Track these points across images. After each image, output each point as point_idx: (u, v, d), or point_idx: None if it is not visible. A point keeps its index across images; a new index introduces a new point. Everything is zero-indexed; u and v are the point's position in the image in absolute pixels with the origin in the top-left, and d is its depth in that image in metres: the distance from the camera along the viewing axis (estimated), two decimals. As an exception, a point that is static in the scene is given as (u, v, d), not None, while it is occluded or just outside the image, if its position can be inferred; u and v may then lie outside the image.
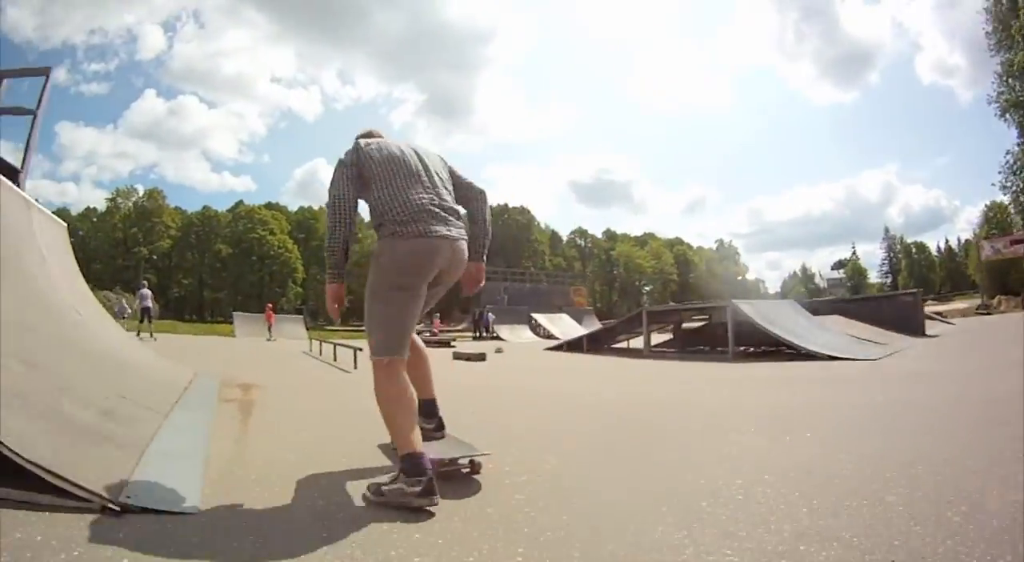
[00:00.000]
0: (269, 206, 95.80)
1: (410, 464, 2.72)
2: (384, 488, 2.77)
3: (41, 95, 8.22)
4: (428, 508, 2.63)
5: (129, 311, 29.34)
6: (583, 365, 12.62)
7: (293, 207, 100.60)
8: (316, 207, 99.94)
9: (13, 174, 7.20)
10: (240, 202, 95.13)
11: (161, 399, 4.88)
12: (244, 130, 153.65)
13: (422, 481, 2.65)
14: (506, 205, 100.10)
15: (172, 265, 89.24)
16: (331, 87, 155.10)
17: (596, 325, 39.79)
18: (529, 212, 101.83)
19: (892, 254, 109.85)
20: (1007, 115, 35.46)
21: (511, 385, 8.91)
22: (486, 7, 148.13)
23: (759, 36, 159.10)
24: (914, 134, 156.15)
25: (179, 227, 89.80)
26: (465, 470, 3.27)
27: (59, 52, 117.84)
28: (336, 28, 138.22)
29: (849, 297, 32.92)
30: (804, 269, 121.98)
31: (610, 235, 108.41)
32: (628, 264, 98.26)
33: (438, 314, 34.03)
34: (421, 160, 3.27)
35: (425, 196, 3.08)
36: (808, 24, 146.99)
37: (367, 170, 3.12)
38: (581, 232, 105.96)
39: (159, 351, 10.18)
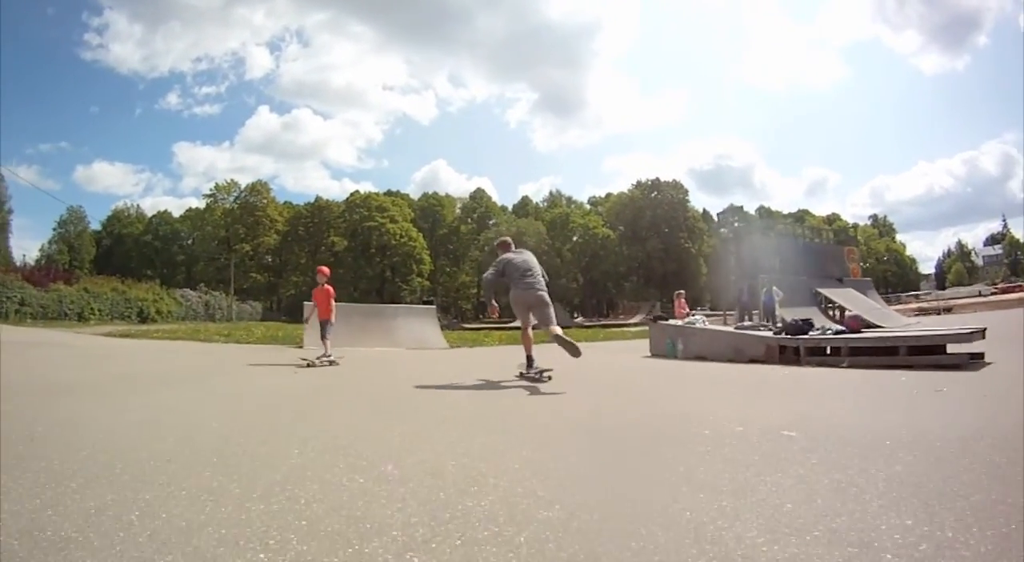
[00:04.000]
0: (389, 194, 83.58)
1: (528, 360, 8.03)
2: (521, 372, 7.98)
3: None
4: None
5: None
6: None
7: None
8: (443, 193, 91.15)
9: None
10: (356, 191, 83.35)
11: None
12: (361, 138, 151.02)
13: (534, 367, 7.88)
14: (657, 179, 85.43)
15: (282, 262, 77.51)
16: (444, 91, 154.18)
17: (881, 303, 31.05)
18: (682, 186, 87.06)
19: None
20: None
21: None
22: (585, 1, 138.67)
23: (861, 6, 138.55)
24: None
25: (286, 221, 77.50)
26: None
27: (167, 79, 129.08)
28: (441, 33, 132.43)
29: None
30: (961, 246, 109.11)
31: (764, 212, 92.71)
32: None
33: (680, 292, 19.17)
34: (526, 260, 8.40)
35: (525, 279, 8.20)
36: None
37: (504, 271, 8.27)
38: (736, 210, 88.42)
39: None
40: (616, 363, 11.54)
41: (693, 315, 14.39)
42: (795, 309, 20.74)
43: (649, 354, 12.52)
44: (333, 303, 11.80)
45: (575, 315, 63.95)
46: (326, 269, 12.40)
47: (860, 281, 30.53)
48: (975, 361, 8.30)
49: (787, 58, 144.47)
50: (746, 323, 13.24)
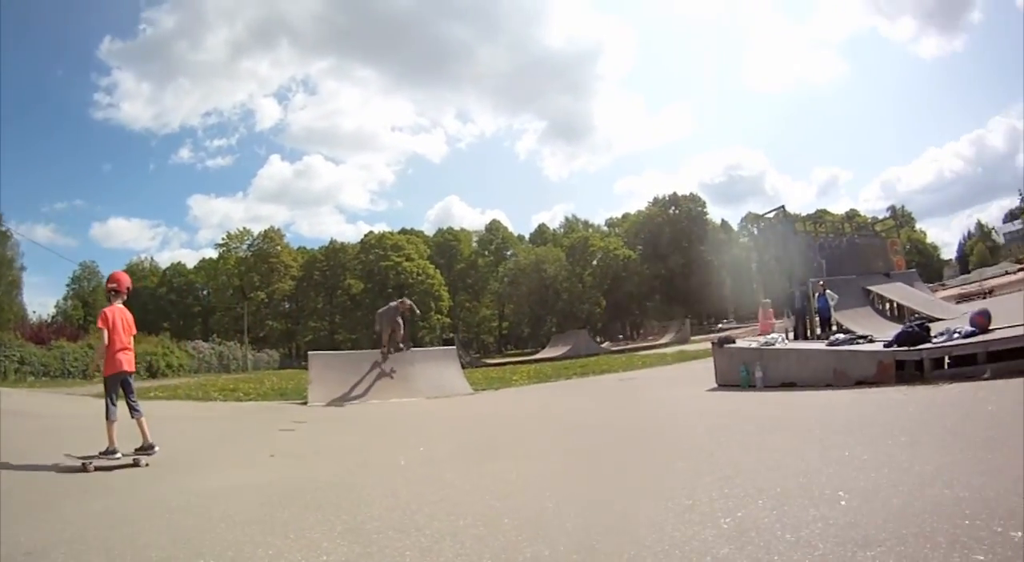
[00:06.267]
0: (404, 232, 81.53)
1: None
2: None
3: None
4: None
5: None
6: None
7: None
8: (457, 228, 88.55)
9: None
10: (370, 232, 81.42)
11: None
12: (373, 180, 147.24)
13: None
14: (675, 194, 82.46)
15: (298, 308, 75.55)
16: (452, 128, 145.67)
17: (928, 293, 28.81)
18: (700, 199, 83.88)
19: None
20: None
21: None
22: (583, 28, 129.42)
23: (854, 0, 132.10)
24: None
25: (300, 266, 75.76)
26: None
27: (178, 135, 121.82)
28: (444, 71, 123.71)
29: None
30: (980, 227, 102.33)
31: (783, 213, 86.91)
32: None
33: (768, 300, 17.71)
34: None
35: None
36: None
37: None
38: (753, 217, 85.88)
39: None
40: (685, 401, 9.40)
41: (771, 333, 12.02)
42: (848, 311, 18.73)
43: (716, 385, 10.22)
44: None
45: (600, 340, 60.92)
46: None
47: (906, 273, 27.94)
48: None
49: (786, 60, 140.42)
50: (839, 336, 10.72)
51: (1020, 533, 2.47)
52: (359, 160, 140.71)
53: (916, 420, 5.54)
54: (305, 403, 12.84)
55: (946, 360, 7.61)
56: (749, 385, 9.38)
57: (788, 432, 5.78)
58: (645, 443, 5.96)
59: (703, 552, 2.75)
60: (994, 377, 6.75)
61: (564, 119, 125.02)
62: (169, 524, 3.92)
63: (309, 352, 11.91)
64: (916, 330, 8.36)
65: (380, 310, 15.55)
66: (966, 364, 7.32)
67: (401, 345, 14.64)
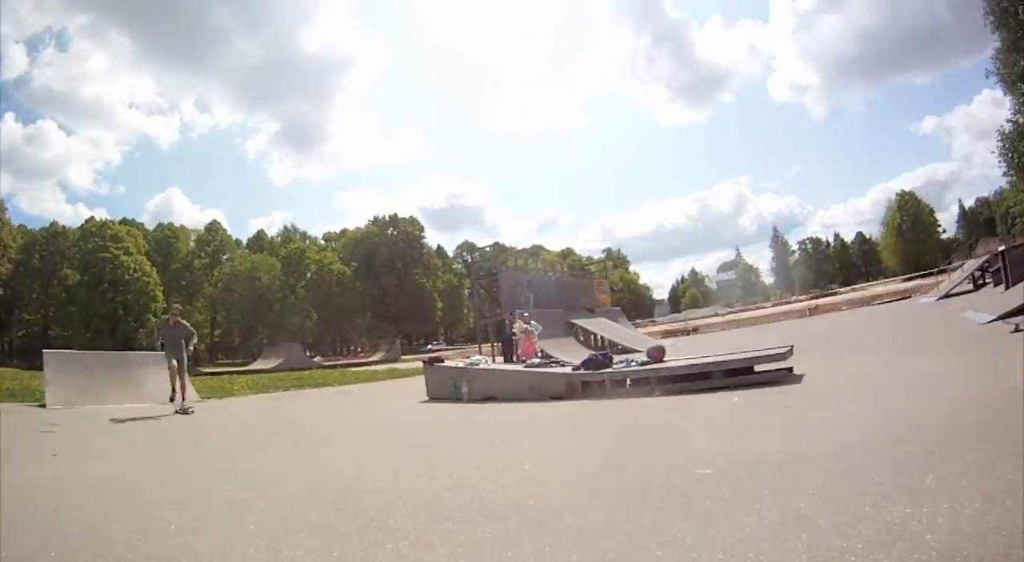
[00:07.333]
0: (125, 222, 74.26)
1: None
2: None
3: None
4: None
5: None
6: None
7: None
8: (177, 224, 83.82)
9: None
10: (92, 218, 73.03)
11: None
12: (100, 159, 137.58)
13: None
14: (395, 214, 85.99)
15: (13, 297, 65.36)
16: (189, 115, 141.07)
17: (630, 327, 33.81)
18: (418, 222, 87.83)
19: (780, 253, 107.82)
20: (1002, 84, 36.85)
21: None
22: (342, 36, 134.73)
23: (613, 60, 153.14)
24: (767, 147, 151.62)
25: (20, 248, 66.06)
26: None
27: None
28: (197, 53, 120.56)
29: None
30: (694, 273, 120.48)
31: (501, 248, 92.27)
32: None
33: (528, 326, 17.70)
34: None
35: None
36: (660, 49, 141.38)
37: None
38: (469, 246, 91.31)
39: None
40: (402, 411, 10.77)
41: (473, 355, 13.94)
42: (552, 340, 21.17)
43: (427, 398, 11.41)
44: None
45: (312, 354, 61.17)
46: None
47: (610, 310, 32.49)
48: (790, 375, 8.59)
49: (531, 105, 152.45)
50: (535, 360, 12.94)
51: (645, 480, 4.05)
52: (91, 134, 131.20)
53: (588, 421, 7.45)
54: (43, 405, 11.68)
55: (628, 381, 9.52)
56: (457, 398, 10.75)
57: (484, 431, 7.32)
58: (376, 441, 7.27)
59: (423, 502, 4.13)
60: (663, 394, 8.73)
61: (299, 124, 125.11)
62: None
63: (47, 351, 11.29)
64: (600, 358, 10.53)
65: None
66: (643, 385, 9.27)
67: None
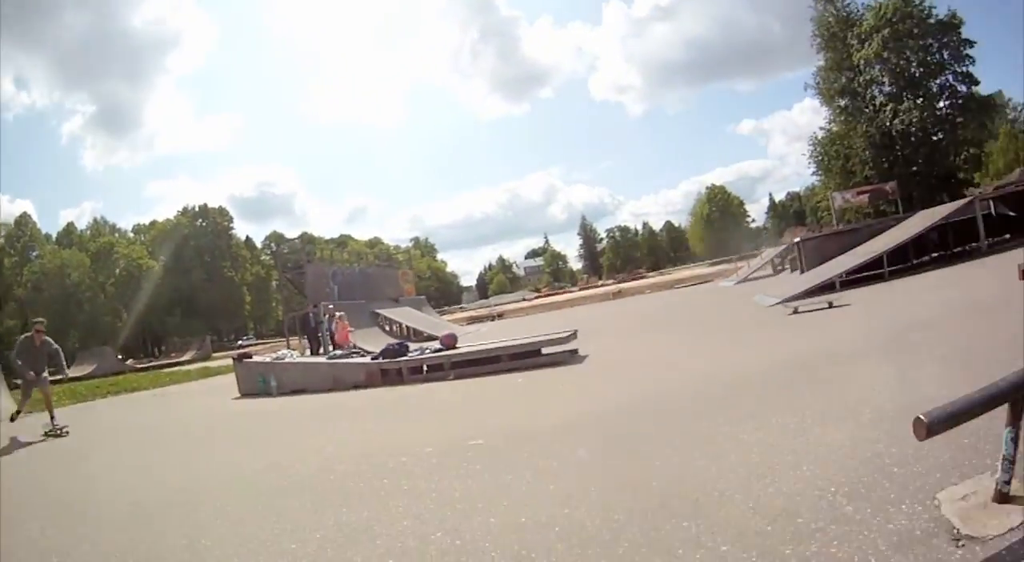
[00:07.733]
0: None
1: None
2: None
3: None
4: None
5: None
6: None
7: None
8: None
9: None
10: None
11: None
12: None
13: None
14: (205, 205, 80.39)
15: None
16: (7, 93, 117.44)
17: (436, 316, 35.10)
18: (227, 213, 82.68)
19: (588, 240, 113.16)
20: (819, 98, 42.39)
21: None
22: (172, 13, 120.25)
23: (438, 53, 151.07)
24: (582, 142, 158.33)
25: None
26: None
27: None
28: (26, 25, 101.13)
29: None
30: (502, 260, 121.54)
31: (308, 239, 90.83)
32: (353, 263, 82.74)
33: (341, 314, 17.80)
34: None
35: None
36: (486, 43, 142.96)
37: None
38: (277, 237, 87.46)
39: None
40: (214, 407, 10.92)
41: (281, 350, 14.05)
42: (359, 331, 20.76)
43: (239, 394, 11.41)
44: None
45: (123, 357, 56.56)
46: None
47: (415, 299, 33.07)
48: (574, 356, 9.50)
49: (351, 95, 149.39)
50: (338, 352, 13.14)
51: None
52: None
53: (383, 406, 8.01)
54: None
55: (425, 367, 10.13)
56: (266, 393, 10.88)
57: (291, 421, 7.84)
58: (195, 440, 7.47)
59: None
60: (457, 378, 9.39)
61: (114, 107, 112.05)
62: None
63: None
64: (396, 347, 11.02)
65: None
66: (438, 370, 9.92)
67: None
